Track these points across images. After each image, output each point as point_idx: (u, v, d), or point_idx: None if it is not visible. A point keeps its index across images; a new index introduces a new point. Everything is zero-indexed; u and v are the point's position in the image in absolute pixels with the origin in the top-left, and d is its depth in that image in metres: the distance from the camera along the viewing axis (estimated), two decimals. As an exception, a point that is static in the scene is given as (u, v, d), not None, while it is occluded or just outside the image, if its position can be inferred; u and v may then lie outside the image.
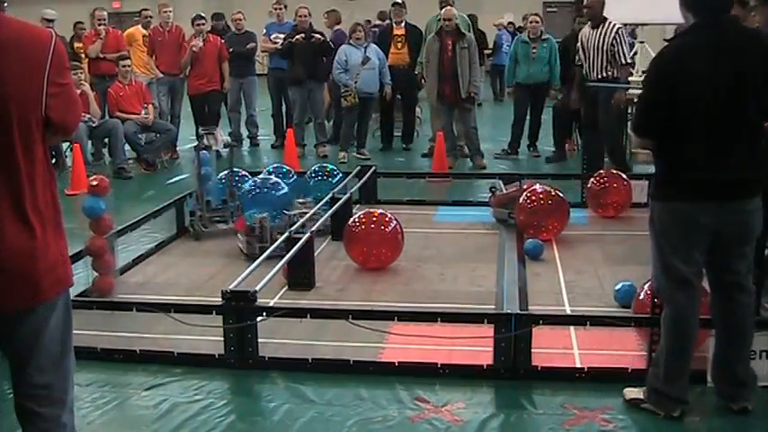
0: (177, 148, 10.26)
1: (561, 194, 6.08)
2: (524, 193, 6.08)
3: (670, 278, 3.31)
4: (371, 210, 5.74)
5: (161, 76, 10.04)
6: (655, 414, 3.41)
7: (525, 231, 5.95)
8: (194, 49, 9.82)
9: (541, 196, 5.99)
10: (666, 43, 3.36)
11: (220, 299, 4.04)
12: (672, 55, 3.20)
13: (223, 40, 10.31)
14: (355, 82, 9.52)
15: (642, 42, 12.59)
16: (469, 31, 9.56)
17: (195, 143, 6.55)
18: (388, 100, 10.05)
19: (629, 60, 8.45)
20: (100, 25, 10.00)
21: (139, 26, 10.71)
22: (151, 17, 10.62)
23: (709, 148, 3.16)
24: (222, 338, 3.99)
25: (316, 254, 5.31)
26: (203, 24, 10.06)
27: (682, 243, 3.27)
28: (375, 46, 9.88)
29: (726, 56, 3.12)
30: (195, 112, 10.09)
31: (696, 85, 3.11)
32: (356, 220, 5.53)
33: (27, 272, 2.12)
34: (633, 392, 3.53)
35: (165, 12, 10.15)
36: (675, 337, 3.33)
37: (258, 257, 4.90)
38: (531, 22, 9.95)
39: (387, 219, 5.50)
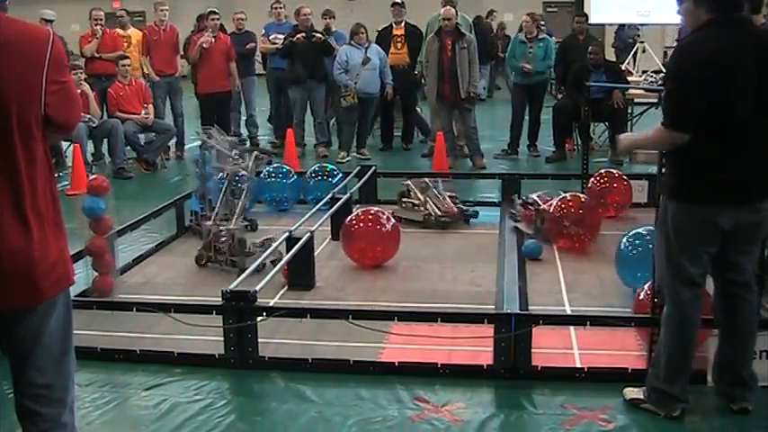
0: (185, 146, 10.26)
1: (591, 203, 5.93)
2: (556, 201, 5.88)
3: (676, 278, 3.30)
4: (368, 208, 5.77)
5: (157, 79, 10.02)
6: (655, 414, 3.41)
7: (555, 240, 5.76)
8: (204, 45, 9.78)
9: (571, 204, 5.79)
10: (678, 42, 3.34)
11: (220, 299, 4.04)
12: (700, 47, 3.13)
13: (224, 40, 10.32)
14: (355, 82, 9.52)
15: (642, 42, 12.61)
16: (470, 32, 9.56)
17: (198, 142, 6.53)
18: (388, 100, 10.03)
19: None
20: (97, 25, 9.99)
21: (117, 29, 10.64)
22: (123, 17, 10.54)
23: (738, 147, 3.13)
24: (222, 338, 3.99)
25: (316, 254, 5.31)
26: (218, 19, 10.04)
27: (693, 244, 3.25)
28: (376, 46, 9.88)
29: (749, 54, 3.09)
30: (205, 111, 10.03)
31: (725, 82, 3.07)
32: (353, 218, 5.58)
33: (27, 272, 2.12)
34: (633, 392, 3.53)
35: (162, 10, 10.13)
36: (678, 337, 3.33)
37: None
38: (524, 22, 10.00)
39: (383, 216, 5.54)
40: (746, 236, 3.27)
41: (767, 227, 3.32)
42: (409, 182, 6.82)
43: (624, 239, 4.83)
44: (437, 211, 6.51)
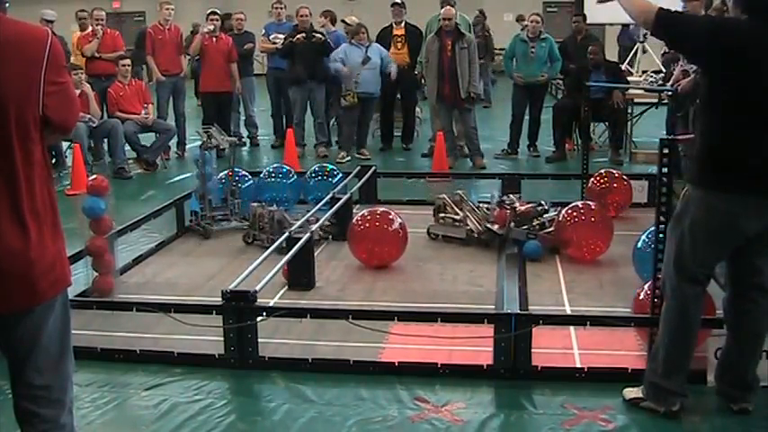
0: (186, 146, 10.30)
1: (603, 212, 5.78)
2: (565, 209, 5.66)
3: (681, 275, 3.29)
4: (375, 208, 5.74)
5: (162, 78, 10.04)
6: (654, 411, 3.40)
7: (564, 248, 5.61)
8: (205, 30, 9.91)
9: (583, 212, 5.62)
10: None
11: (220, 299, 4.04)
12: (734, 24, 3.16)
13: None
14: (356, 82, 9.52)
15: (643, 42, 12.62)
16: (470, 32, 9.56)
17: (199, 142, 6.55)
18: (394, 79, 9.78)
19: None
20: (98, 25, 10.00)
21: (77, 31, 10.58)
22: (85, 19, 10.50)
23: (765, 141, 3.09)
24: (222, 338, 3.99)
25: (316, 254, 5.32)
26: (217, 21, 10.13)
27: (708, 245, 3.23)
28: (377, 45, 9.87)
29: None
30: (206, 111, 10.08)
31: (756, 74, 3.04)
32: (359, 218, 5.57)
33: (24, 273, 2.12)
34: (633, 392, 3.52)
35: (167, 9, 10.15)
36: (678, 331, 3.31)
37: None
38: (531, 22, 9.98)
39: (390, 217, 5.53)
40: (765, 239, 3.22)
41: None
42: (444, 195, 6.27)
43: (643, 236, 4.84)
44: (479, 227, 5.97)
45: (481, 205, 6.26)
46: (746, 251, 3.27)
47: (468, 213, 6.12)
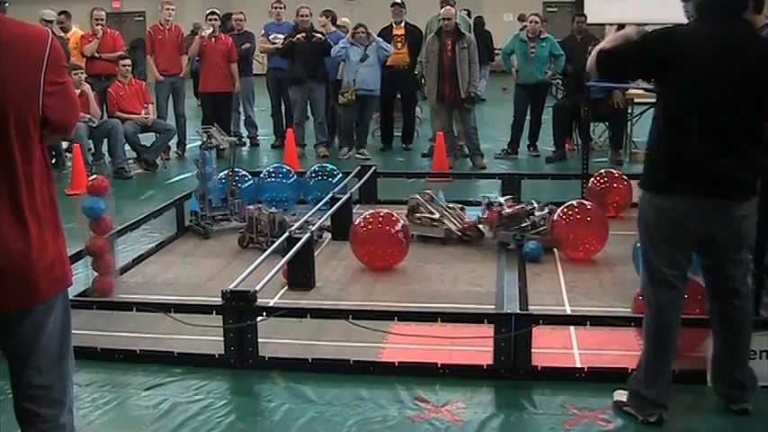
0: (186, 146, 10.31)
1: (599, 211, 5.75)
2: (560, 209, 5.65)
3: (652, 279, 3.30)
4: (377, 210, 5.71)
5: (161, 78, 10.05)
6: (634, 417, 3.37)
7: (560, 248, 5.62)
8: (203, 33, 9.94)
9: (577, 211, 5.59)
10: None
11: (220, 299, 4.05)
12: (669, 33, 3.20)
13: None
14: (354, 80, 9.52)
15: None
16: (470, 32, 9.57)
17: (199, 142, 6.55)
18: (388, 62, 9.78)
19: None
20: (98, 25, 10.01)
21: (60, 33, 10.58)
22: (63, 22, 10.48)
23: (703, 141, 3.10)
24: (222, 338, 4.00)
25: (316, 254, 5.32)
26: (216, 21, 10.14)
27: (666, 245, 3.24)
28: (375, 43, 9.87)
29: (726, 55, 3.08)
30: (205, 111, 10.09)
31: (690, 75, 3.08)
32: (362, 220, 5.52)
33: (24, 273, 2.12)
34: (620, 395, 3.50)
35: (168, 9, 10.16)
36: (655, 339, 3.31)
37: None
38: (530, 22, 9.97)
39: (393, 219, 5.51)
40: (728, 243, 3.24)
41: (751, 234, 3.29)
42: (417, 195, 6.23)
43: None
44: (457, 225, 5.97)
45: (454, 205, 6.28)
46: (715, 259, 3.30)
47: (444, 212, 6.11)
